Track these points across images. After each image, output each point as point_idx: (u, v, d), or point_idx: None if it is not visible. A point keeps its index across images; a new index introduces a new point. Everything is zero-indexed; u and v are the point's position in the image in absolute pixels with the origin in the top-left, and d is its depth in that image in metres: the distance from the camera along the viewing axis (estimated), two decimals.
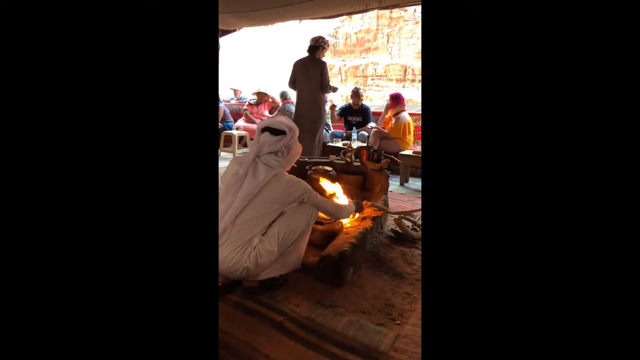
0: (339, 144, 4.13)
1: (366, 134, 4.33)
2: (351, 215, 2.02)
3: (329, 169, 2.80)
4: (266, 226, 1.50)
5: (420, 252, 2.09)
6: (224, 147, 5.21)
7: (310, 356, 1.24)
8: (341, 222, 2.05)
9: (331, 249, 1.71)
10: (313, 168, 2.79)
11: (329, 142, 4.40)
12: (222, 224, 1.42)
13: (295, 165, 1.83)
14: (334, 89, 3.88)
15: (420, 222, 2.43)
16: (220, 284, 1.56)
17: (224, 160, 4.82)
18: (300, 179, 1.58)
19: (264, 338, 1.31)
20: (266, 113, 5.71)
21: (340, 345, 1.29)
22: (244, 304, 1.51)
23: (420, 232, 2.28)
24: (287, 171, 1.62)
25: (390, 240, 2.21)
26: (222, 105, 5.72)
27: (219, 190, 1.53)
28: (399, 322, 1.46)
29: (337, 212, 1.66)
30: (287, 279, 1.68)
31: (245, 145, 5.35)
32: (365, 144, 4.07)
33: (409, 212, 2.37)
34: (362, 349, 1.28)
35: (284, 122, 1.57)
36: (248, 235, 1.43)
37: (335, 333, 1.35)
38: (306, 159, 3.08)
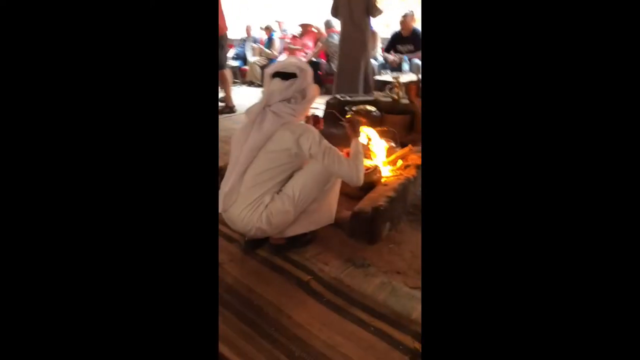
0: (388, 76, 3.71)
1: (420, 62, 3.83)
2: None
3: (372, 109, 2.53)
4: (280, 182, 1.35)
5: None
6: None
7: (334, 320, 1.17)
8: (379, 172, 1.86)
9: (365, 203, 1.56)
10: (354, 109, 2.54)
11: (376, 75, 4.00)
12: (229, 181, 1.33)
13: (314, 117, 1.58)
14: (380, 12, 3.39)
15: None
16: (246, 239, 1.52)
17: None
18: (315, 130, 1.35)
19: (288, 298, 1.27)
20: (310, 45, 5.32)
21: (368, 310, 1.20)
22: (271, 260, 1.47)
23: None
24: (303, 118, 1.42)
25: None
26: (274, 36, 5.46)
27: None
28: None
29: (355, 178, 1.34)
30: (317, 234, 1.59)
31: None
32: (417, 77, 3.63)
33: None
34: (391, 316, 1.18)
35: (295, 62, 1.35)
36: (258, 192, 1.31)
37: (364, 297, 1.26)
38: (347, 98, 2.82)
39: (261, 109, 1.34)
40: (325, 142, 1.34)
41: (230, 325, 1.16)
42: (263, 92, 1.38)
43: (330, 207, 1.49)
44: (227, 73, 4.12)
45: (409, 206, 1.81)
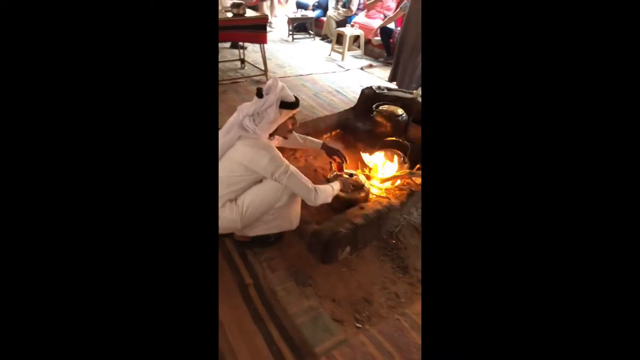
0: None
1: None
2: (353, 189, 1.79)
3: (400, 112, 2.39)
4: (235, 191, 1.45)
5: None
6: (335, 44, 4.86)
7: (250, 329, 1.34)
8: (366, 192, 1.84)
9: (327, 225, 1.61)
10: (380, 108, 2.43)
11: None
12: None
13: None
14: None
15: None
16: None
17: (330, 63, 4.57)
18: (273, 151, 1.39)
19: (226, 298, 1.44)
20: (392, 6, 4.89)
21: (281, 330, 1.34)
22: (231, 254, 1.65)
23: None
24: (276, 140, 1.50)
25: None
26: None
27: None
28: (360, 326, 1.39)
29: (312, 198, 1.45)
30: (283, 237, 1.71)
31: (359, 47, 4.86)
32: None
33: None
34: (297, 342, 1.30)
35: (270, 83, 1.37)
36: None
37: (286, 316, 1.39)
38: (384, 91, 2.67)
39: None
40: (285, 164, 1.39)
41: None
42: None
43: (289, 216, 1.57)
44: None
45: (384, 232, 1.80)
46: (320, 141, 1.85)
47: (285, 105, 1.38)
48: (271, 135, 1.48)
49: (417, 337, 1.34)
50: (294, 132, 1.67)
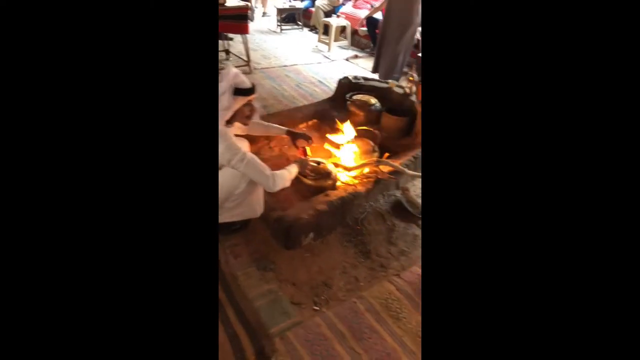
0: None
1: None
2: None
3: (374, 101, 2.40)
4: None
5: (413, 232, 1.81)
6: (322, 34, 4.84)
7: None
8: (333, 179, 1.86)
9: (290, 211, 1.63)
10: (353, 98, 2.44)
11: None
12: None
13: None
14: None
15: None
16: None
17: (316, 54, 4.56)
18: (229, 138, 1.42)
19: None
20: None
21: (239, 313, 1.37)
22: None
23: None
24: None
25: (391, 208, 1.94)
26: None
27: None
28: (317, 308, 1.42)
29: (270, 185, 1.48)
30: (250, 225, 1.73)
31: (346, 38, 4.85)
32: None
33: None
34: (254, 325, 1.33)
35: (223, 71, 1.40)
36: None
37: (244, 299, 1.42)
38: (360, 81, 2.67)
39: None
40: (241, 152, 1.41)
41: None
42: None
43: (252, 204, 1.59)
44: None
45: (350, 219, 1.83)
46: (284, 128, 1.87)
47: (239, 92, 1.40)
48: (229, 122, 1.50)
49: (371, 319, 1.38)
50: (257, 119, 1.69)
